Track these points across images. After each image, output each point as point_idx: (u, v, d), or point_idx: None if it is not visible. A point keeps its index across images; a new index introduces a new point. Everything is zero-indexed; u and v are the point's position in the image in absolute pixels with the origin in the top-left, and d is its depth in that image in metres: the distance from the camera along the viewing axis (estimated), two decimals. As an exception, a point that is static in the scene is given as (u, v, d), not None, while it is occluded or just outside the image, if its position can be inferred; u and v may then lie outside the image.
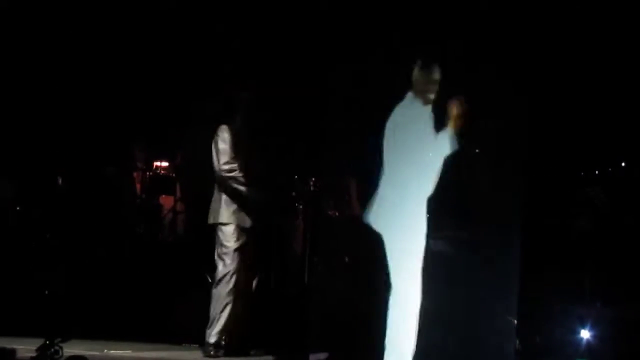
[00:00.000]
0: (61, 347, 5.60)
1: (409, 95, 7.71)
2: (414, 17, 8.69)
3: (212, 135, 8.82)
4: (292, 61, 10.08)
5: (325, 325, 8.55)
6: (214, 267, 8.71)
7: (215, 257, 8.68)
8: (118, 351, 8.45)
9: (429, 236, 7.77)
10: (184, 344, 9.10)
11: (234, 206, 8.68)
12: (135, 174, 11.28)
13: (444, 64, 7.91)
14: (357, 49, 8.84)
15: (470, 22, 8.56)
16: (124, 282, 10.11)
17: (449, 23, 8.60)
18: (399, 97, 7.86)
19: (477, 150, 8.26)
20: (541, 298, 8.71)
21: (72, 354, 5.56)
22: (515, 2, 8.51)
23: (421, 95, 7.67)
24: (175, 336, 9.38)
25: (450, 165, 7.73)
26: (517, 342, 8.20)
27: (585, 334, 8.70)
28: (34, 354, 5.48)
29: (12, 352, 5.30)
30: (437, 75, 7.69)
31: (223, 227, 8.65)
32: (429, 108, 7.65)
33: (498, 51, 8.37)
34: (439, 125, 7.69)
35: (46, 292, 9.89)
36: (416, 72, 7.71)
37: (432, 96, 7.64)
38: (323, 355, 8.44)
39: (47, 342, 5.57)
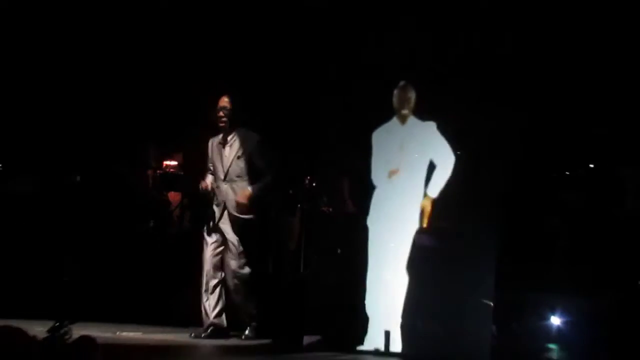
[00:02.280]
0: (70, 329, 5.24)
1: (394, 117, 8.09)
2: (406, 28, 8.47)
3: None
4: (292, 74, 10.00)
5: (319, 311, 8.35)
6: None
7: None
8: (129, 333, 8.47)
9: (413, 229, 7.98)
10: (189, 327, 8.89)
11: None
12: (148, 172, 11.28)
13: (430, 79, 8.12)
14: (350, 66, 8.68)
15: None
16: (135, 271, 10.13)
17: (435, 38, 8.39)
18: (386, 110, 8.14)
19: (458, 152, 8.04)
20: (517, 287, 8.54)
21: (81, 335, 5.23)
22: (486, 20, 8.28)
23: (398, 113, 8.04)
24: (181, 320, 9.30)
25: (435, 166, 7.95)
26: (494, 327, 8.04)
27: (556, 321, 8.61)
28: (45, 335, 5.12)
29: (24, 332, 4.98)
30: (408, 94, 8.00)
31: None
32: (410, 125, 7.99)
33: (483, 66, 8.20)
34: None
35: (64, 278, 9.91)
36: (394, 93, 8.06)
37: (405, 111, 7.98)
38: (316, 338, 8.26)
39: (57, 323, 5.21)
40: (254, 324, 8.60)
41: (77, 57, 10.48)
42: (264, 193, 8.58)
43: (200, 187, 8.63)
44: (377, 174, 8.24)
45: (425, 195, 7.97)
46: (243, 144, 8.50)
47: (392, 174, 8.03)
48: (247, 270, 8.53)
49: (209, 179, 8.69)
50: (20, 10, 10.11)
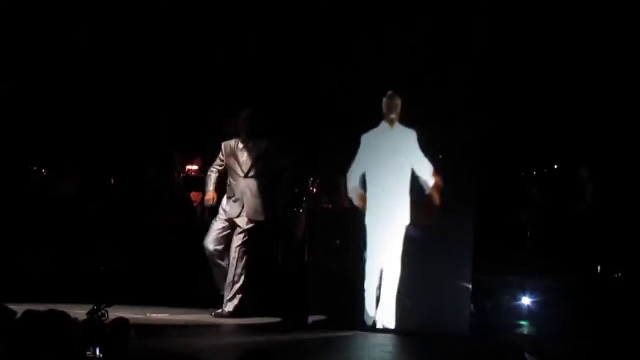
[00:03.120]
0: (107, 312, 5.56)
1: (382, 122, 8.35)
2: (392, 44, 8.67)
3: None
4: (294, 85, 10.21)
5: (322, 294, 8.68)
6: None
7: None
8: (159, 315, 8.64)
9: (402, 222, 8.27)
10: (209, 309, 9.16)
11: None
12: (174, 175, 11.44)
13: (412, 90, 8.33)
14: (346, 76, 8.86)
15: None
16: (163, 260, 10.26)
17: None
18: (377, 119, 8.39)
19: (440, 156, 8.39)
20: (492, 272, 8.89)
21: (116, 317, 5.52)
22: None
23: (387, 118, 8.32)
24: (203, 302, 9.41)
25: (418, 169, 8.26)
26: (472, 306, 8.40)
27: (526, 301, 8.91)
28: (85, 317, 5.43)
29: (68, 315, 5.14)
30: (395, 101, 8.23)
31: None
32: (396, 129, 8.27)
33: (457, 78, 8.47)
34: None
35: (102, 268, 10.06)
36: (383, 101, 8.32)
37: (393, 116, 8.24)
38: (320, 317, 8.59)
39: (95, 307, 5.54)
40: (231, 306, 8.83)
41: (118, 82, 10.68)
42: (288, 188, 9.17)
43: (206, 203, 9.10)
44: (370, 174, 8.49)
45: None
46: (261, 149, 8.94)
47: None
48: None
49: (213, 179, 9.10)
50: (75, 23, 10.31)
